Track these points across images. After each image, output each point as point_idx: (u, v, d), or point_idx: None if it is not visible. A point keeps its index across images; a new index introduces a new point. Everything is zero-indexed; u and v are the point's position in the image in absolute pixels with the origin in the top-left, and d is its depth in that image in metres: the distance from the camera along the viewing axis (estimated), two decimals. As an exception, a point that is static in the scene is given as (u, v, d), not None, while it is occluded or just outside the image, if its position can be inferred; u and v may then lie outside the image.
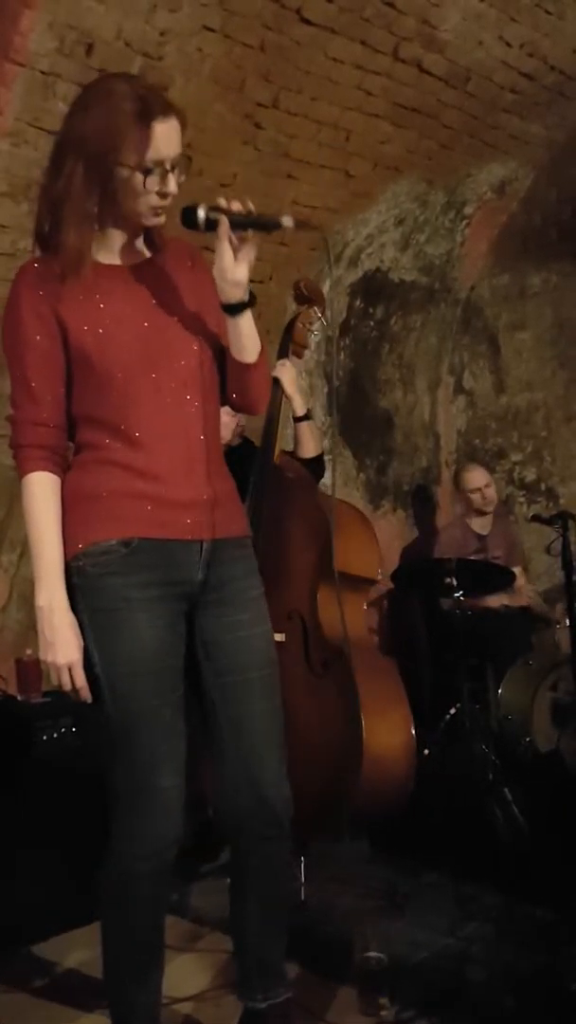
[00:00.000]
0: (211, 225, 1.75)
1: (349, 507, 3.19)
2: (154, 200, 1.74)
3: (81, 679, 1.74)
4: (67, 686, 1.75)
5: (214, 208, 1.75)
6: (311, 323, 3.08)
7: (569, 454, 5.09)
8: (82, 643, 1.75)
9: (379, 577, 3.00)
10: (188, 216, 1.75)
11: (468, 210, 4.80)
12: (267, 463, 2.98)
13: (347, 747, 2.69)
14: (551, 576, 4.66)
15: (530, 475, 5.22)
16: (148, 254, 1.87)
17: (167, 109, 1.70)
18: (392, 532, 5.02)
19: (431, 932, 2.61)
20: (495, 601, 4.26)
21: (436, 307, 5.15)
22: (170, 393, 1.79)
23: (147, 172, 1.70)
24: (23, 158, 2.90)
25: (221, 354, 1.90)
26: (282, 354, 3.06)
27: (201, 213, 1.74)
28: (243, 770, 1.87)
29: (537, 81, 3.96)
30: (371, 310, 4.82)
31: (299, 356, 3.09)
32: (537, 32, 3.67)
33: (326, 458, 3.30)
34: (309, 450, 3.20)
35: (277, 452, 3.02)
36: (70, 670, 1.74)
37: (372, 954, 2.31)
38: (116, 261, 1.83)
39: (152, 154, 1.69)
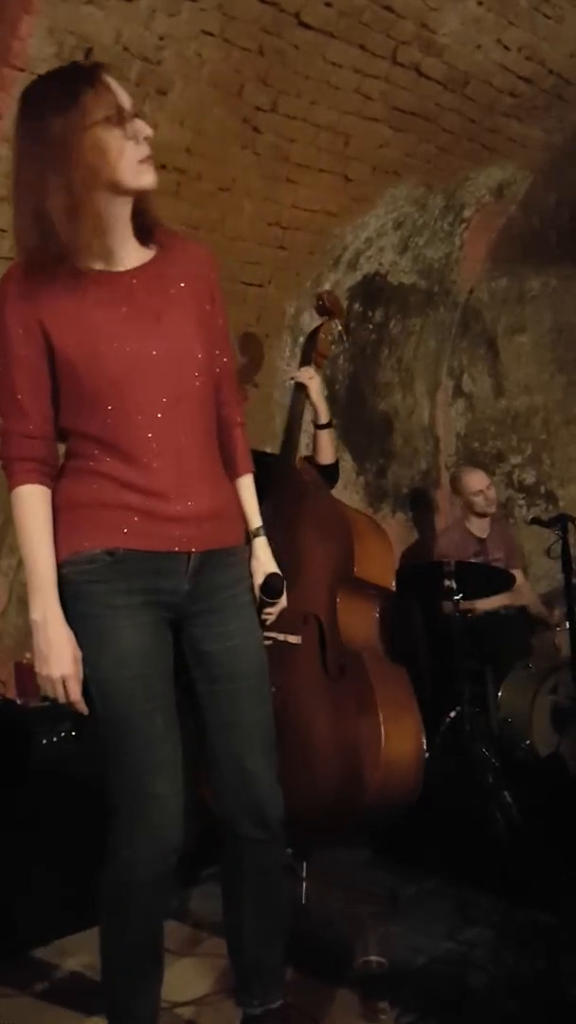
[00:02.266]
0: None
1: (368, 518, 3.29)
2: (135, 151, 1.69)
3: (76, 692, 1.73)
4: (62, 699, 1.74)
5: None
6: (332, 334, 3.15)
7: (568, 457, 5.09)
8: (79, 655, 1.74)
9: (394, 587, 3.06)
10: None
11: (467, 213, 4.81)
12: (288, 467, 3.02)
13: (363, 753, 2.71)
14: (551, 579, 4.67)
15: (529, 478, 5.23)
16: (147, 256, 1.80)
17: (98, 67, 1.71)
18: (392, 535, 4.99)
19: (431, 936, 2.60)
20: (496, 602, 4.26)
21: (435, 310, 5.15)
22: (162, 408, 1.75)
23: (117, 119, 1.67)
24: (22, 162, 2.90)
25: (216, 364, 1.88)
26: (305, 361, 3.15)
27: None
28: (234, 775, 1.87)
29: (535, 85, 3.96)
30: (370, 313, 4.82)
31: (319, 366, 3.15)
32: (535, 36, 3.67)
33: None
34: (327, 457, 3.26)
35: (298, 457, 3.08)
36: (64, 683, 1.72)
37: (372, 958, 2.30)
38: (110, 267, 1.76)
39: (107, 100, 1.66)
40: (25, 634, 3.44)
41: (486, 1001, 2.28)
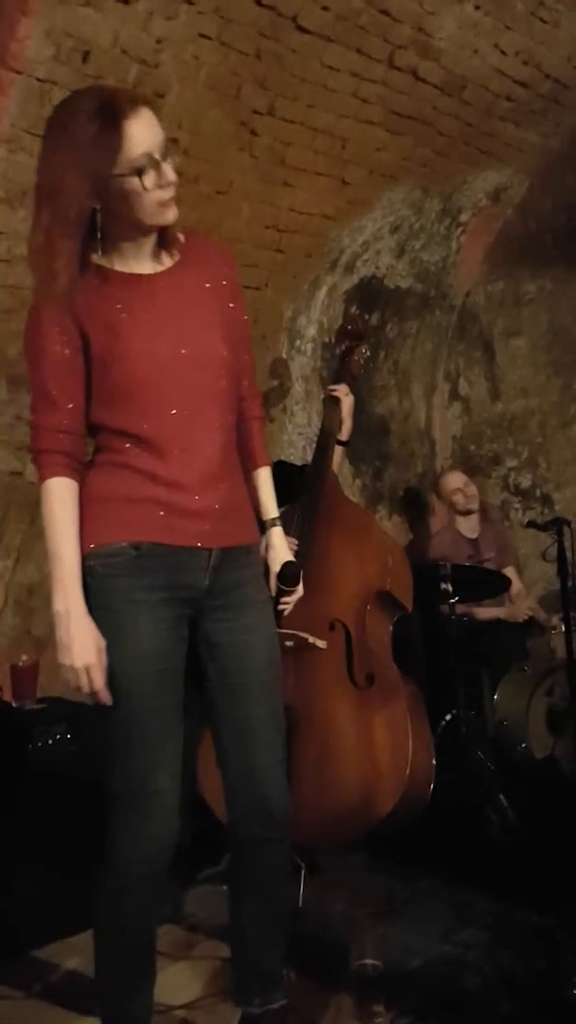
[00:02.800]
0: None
1: (393, 538, 3.38)
2: (158, 195, 1.73)
3: (100, 681, 1.74)
4: (85, 689, 1.75)
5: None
6: (363, 357, 3.31)
7: (564, 460, 5.10)
8: (102, 644, 1.75)
9: (410, 609, 3.12)
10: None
11: (463, 217, 4.82)
12: (323, 477, 3.10)
13: (391, 765, 2.75)
14: (546, 582, 4.67)
15: (525, 481, 5.23)
16: (171, 262, 1.86)
17: (133, 104, 1.67)
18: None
19: (427, 938, 2.60)
20: (491, 613, 4.26)
21: (432, 313, 5.16)
22: (188, 405, 1.80)
23: (140, 172, 1.68)
24: (19, 164, 2.90)
25: (239, 361, 1.93)
26: (338, 379, 3.27)
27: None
28: (242, 771, 1.90)
29: (532, 89, 3.98)
30: (367, 316, 4.83)
31: (350, 385, 3.25)
32: (532, 40, 3.69)
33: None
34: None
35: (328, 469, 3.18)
36: (88, 672, 1.73)
37: (368, 960, 2.30)
38: (137, 270, 1.82)
39: (136, 151, 1.66)
40: (21, 635, 3.44)
41: (482, 1002, 2.28)
